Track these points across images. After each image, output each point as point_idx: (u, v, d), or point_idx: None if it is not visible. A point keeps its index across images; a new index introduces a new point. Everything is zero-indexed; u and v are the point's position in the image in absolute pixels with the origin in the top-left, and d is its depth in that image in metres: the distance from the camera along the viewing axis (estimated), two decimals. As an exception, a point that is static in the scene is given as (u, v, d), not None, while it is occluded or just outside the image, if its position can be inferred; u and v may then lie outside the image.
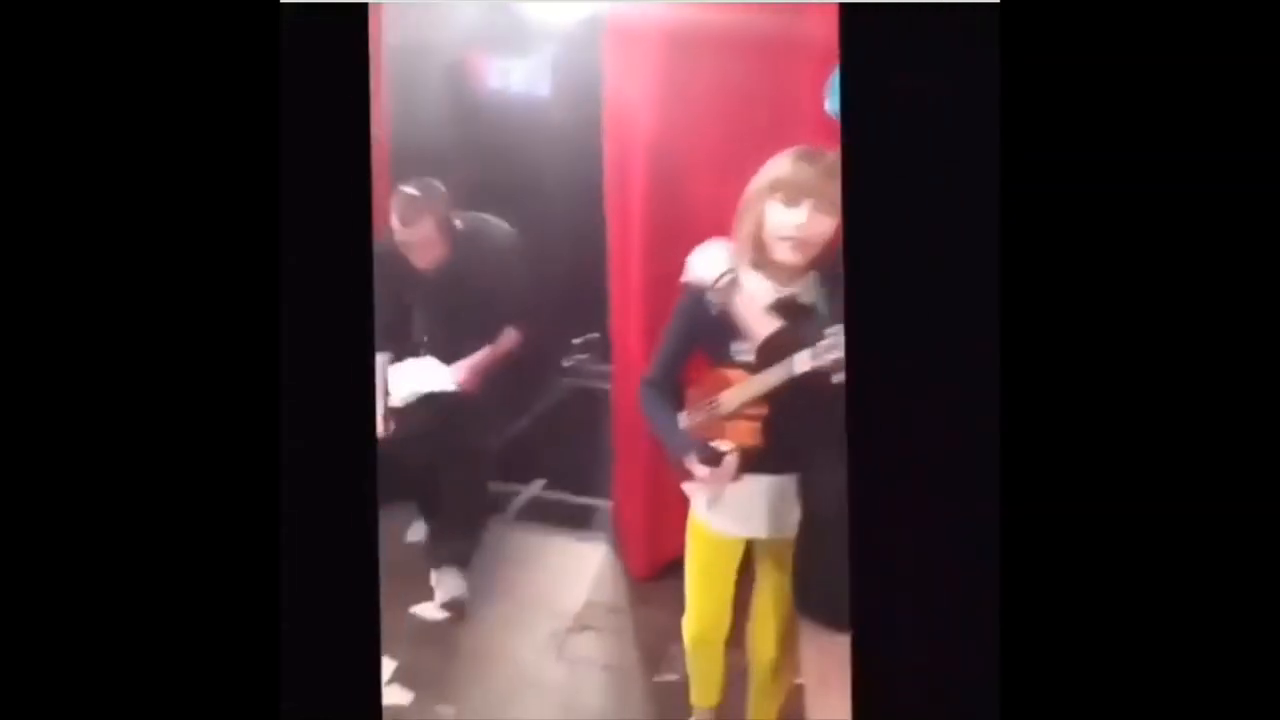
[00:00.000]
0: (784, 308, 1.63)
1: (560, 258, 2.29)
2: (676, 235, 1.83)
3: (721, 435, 1.69)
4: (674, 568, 1.86)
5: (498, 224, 2.30)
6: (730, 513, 1.73)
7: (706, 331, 1.69)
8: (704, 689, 1.84)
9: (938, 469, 1.36)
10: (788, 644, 1.73)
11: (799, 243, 1.59)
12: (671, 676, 1.91)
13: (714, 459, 1.69)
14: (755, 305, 1.63)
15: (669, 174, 2.00)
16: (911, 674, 1.38)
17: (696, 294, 1.68)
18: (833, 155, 1.46)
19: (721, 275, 1.65)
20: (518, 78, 2.22)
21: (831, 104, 1.60)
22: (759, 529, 1.73)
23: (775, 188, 1.60)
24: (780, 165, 1.61)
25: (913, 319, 1.37)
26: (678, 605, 1.82)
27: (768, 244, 1.62)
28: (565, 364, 2.43)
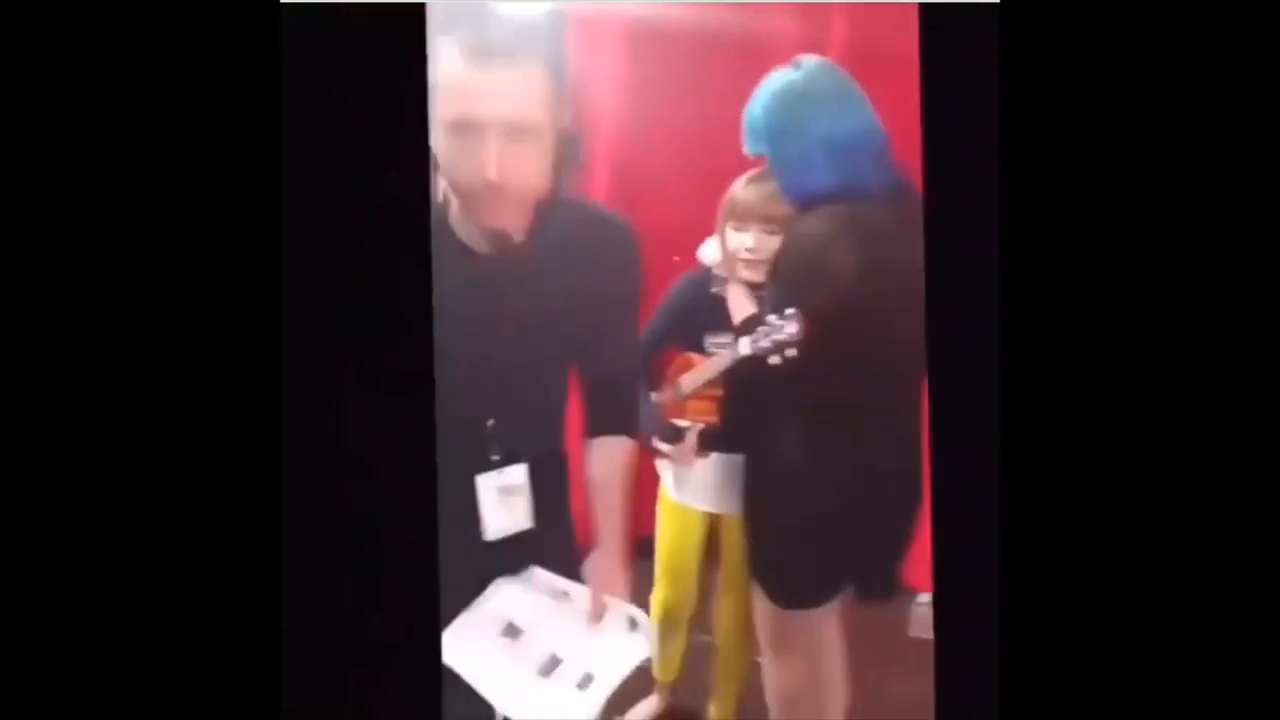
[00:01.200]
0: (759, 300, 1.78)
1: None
2: (637, 228, 1.87)
3: (682, 414, 1.81)
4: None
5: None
6: (692, 488, 1.83)
7: (695, 314, 1.82)
8: (666, 664, 1.90)
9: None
10: (747, 618, 1.83)
11: (752, 263, 1.75)
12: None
13: (675, 436, 1.80)
14: (744, 294, 1.77)
15: (631, 169, 2.00)
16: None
17: (703, 271, 1.80)
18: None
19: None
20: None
21: (750, 146, 1.71)
22: (718, 504, 1.82)
23: (730, 214, 1.74)
24: (734, 190, 1.75)
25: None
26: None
27: (732, 263, 1.77)
28: None
